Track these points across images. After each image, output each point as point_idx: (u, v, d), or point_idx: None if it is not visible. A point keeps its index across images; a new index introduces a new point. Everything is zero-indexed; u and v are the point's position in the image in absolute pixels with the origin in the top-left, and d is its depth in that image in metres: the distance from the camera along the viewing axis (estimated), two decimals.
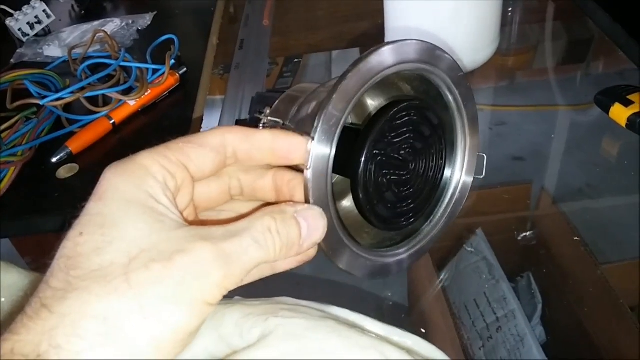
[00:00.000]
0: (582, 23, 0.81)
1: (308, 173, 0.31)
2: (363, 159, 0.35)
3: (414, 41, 0.36)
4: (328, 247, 0.33)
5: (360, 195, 0.36)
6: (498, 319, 0.47)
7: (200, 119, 0.70)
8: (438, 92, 0.40)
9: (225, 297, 0.36)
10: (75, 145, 0.63)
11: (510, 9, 0.85)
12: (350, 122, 0.43)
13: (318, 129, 0.31)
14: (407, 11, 0.67)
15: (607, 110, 0.60)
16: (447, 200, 0.43)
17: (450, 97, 0.40)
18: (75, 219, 0.25)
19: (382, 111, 0.37)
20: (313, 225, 0.30)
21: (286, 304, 0.36)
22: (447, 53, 0.38)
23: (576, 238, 0.51)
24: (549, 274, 0.51)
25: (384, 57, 0.34)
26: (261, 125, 0.33)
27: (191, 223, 0.27)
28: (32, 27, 0.88)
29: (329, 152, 0.32)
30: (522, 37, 0.81)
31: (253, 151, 0.31)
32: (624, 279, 0.48)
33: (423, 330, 0.48)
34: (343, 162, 0.35)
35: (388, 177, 0.37)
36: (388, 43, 0.34)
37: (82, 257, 0.24)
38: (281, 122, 0.33)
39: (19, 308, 0.24)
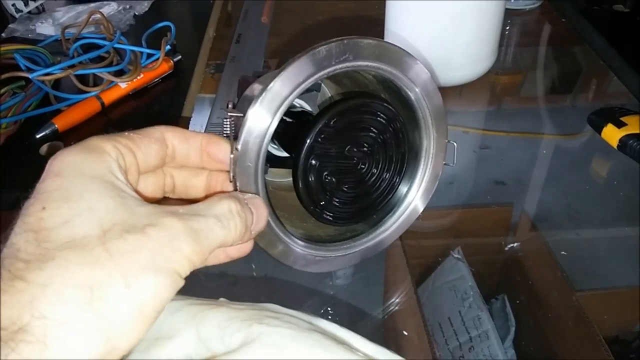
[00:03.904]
0: (573, 53, 0.82)
1: (238, 145, 0.32)
2: (305, 147, 0.36)
3: (384, 43, 0.36)
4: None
5: (299, 183, 0.37)
6: (471, 339, 0.47)
7: (191, 109, 0.69)
8: (412, 110, 0.40)
9: (209, 297, 0.35)
10: (61, 122, 0.62)
11: (507, 28, 0.85)
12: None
13: (258, 101, 0.32)
14: (408, 15, 0.67)
15: (599, 131, 0.61)
16: (394, 217, 0.43)
17: (411, 95, 0.40)
18: (27, 200, 0.25)
19: (338, 102, 0.37)
20: (259, 213, 0.31)
21: (273, 311, 0.35)
22: (418, 61, 0.38)
23: (553, 263, 0.51)
24: (524, 297, 0.51)
25: (341, 50, 0.34)
26: (225, 120, 0.34)
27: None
28: (26, 3, 0.87)
29: (267, 125, 0.33)
30: (514, 59, 0.82)
31: (190, 153, 0.32)
32: (599, 307, 0.48)
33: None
34: (289, 146, 0.35)
35: (333, 172, 0.38)
36: (356, 37, 0.35)
37: (50, 230, 0.23)
38: (242, 115, 0.33)
39: None
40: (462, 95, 0.72)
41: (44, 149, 0.60)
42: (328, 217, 0.39)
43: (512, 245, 0.54)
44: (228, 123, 0.33)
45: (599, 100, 0.72)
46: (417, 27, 0.66)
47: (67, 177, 0.25)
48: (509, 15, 0.85)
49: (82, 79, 0.67)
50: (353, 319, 0.47)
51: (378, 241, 0.43)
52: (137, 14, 0.86)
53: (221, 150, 0.32)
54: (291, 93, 0.33)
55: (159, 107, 0.68)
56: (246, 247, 0.33)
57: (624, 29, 0.79)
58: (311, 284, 0.49)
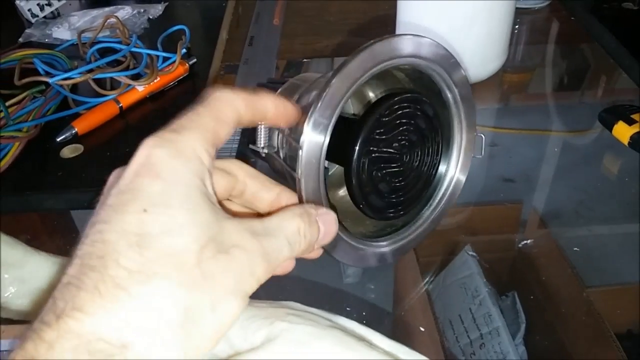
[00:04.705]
0: (581, 50, 0.82)
1: (301, 152, 0.32)
2: (357, 148, 0.36)
3: (421, 37, 0.37)
4: None
5: (353, 184, 0.37)
6: (482, 336, 0.47)
7: None
8: (438, 89, 0.41)
9: None
10: (81, 125, 0.63)
11: (516, 27, 0.86)
12: (352, 112, 0.44)
13: (313, 117, 0.32)
14: (420, 15, 0.67)
15: (610, 128, 0.61)
16: (439, 195, 0.43)
17: (450, 95, 0.40)
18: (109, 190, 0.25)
19: (379, 102, 0.37)
20: (328, 230, 0.31)
21: (294, 308, 0.35)
22: (449, 52, 0.39)
23: (563, 260, 0.52)
24: (534, 294, 0.50)
25: (388, 48, 0.35)
26: (259, 127, 0.34)
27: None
28: (42, 8, 0.88)
29: (322, 139, 0.33)
30: (523, 57, 0.82)
31: (255, 117, 0.31)
32: (609, 303, 0.48)
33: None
34: (339, 151, 0.36)
35: (382, 167, 0.38)
36: (393, 36, 0.35)
37: (152, 237, 0.23)
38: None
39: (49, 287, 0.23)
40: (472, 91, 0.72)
41: (65, 152, 0.62)
42: (378, 211, 0.39)
43: (522, 242, 0.54)
44: (262, 129, 0.34)
45: (608, 98, 0.72)
46: (428, 28, 0.66)
47: (168, 183, 0.25)
48: (518, 14, 0.85)
49: (100, 82, 0.68)
50: (364, 318, 0.48)
51: (424, 228, 0.43)
52: (151, 17, 0.87)
53: (288, 110, 0.32)
54: (350, 87, 0.33)
55: (175, 110, 0.67)
56: (314, 253, 0.33)
57: (633, 26, 0.79)
58: (319, 282, 0.50)
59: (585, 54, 0.82)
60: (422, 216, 0.43)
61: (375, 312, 0.49)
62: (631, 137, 0.58)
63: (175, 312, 0.22)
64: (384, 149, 0.38)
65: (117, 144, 0.63)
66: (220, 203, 0.30)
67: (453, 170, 0.43)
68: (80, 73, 0.66)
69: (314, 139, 0.33)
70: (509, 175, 0.61)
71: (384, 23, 0.76)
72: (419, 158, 0.40)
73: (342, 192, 0.43)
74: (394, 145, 0.38)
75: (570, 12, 0.88)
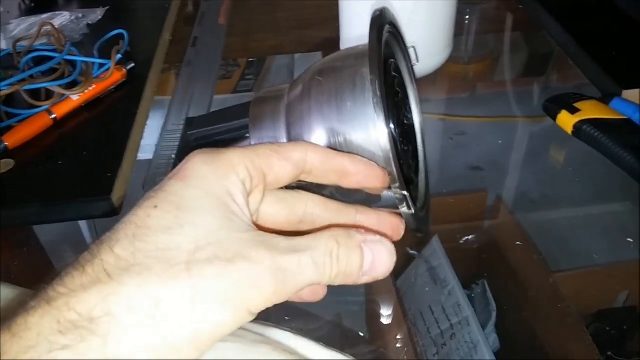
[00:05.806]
0: (541, 36, 0.82)
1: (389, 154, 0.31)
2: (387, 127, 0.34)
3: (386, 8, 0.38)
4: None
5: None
6: (452, 326, 0.47)
7: (146, 116, 0.68)
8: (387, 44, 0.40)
9: None
10: (12, 139, 0.61)
11: (467, 17, 0.85)
12: None
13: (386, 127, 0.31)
14: (360, 15, 0.66)
15: (554, 118, 0.61)
16: (419, 143, 0.43)
17: (398, 47, 0.40)
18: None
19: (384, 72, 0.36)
20: (379, 260, 0.28)
21: None
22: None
23: (529, 246, 0.52)
24: (504, 281, 0.51)
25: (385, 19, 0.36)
26: None
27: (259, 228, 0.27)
28: None
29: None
30: (480, 46, 0.82)
31: (330, 173, 0.31)
32: (575, 287, 0.49)
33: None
34: None
35: (400, 139, 0.37)
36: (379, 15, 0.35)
37: (151, 230, 0.24)
38: None
39: None
40: (432, 81, 0.72)
41: None
42: (410, 180, 0.38)
43: (489, 230, 0.55)
44: None
45: (567, 83, 0.73)
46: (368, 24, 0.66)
47: (188, 186, 0.26)
48: (467, 4, 0.85)
49: (34, 93, 0.66)
50: (335, 312, 0.48)
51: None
52: (90, 22, 0.84)
53: (369, 171, 0.31)
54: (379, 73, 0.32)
55: (112, 117, 0.66)
56: (321, 293, 0.32)
57: (579, 14, 0.79)
58: None
59: (539, 41, 0.82)
60: (421, 167, 0.42)
61: (346, 307, 0.49)
62: (574, 126, 0.58)
63: (146, 300, 0.22)
64: (396, 121, 0.37)
65: (51, 157, 0.60)
66: (258, 225, 0.30)
67: (417, 117, 0.43)
68: (9, 84, 0.64)
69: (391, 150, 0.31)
70: (474, 163, 0.61)
71: (334, 19, 0.75)
72: (406, 118, 0.40)
73: None
74: (396, 114, 0.37)
75: (519, 1, 0.87)
